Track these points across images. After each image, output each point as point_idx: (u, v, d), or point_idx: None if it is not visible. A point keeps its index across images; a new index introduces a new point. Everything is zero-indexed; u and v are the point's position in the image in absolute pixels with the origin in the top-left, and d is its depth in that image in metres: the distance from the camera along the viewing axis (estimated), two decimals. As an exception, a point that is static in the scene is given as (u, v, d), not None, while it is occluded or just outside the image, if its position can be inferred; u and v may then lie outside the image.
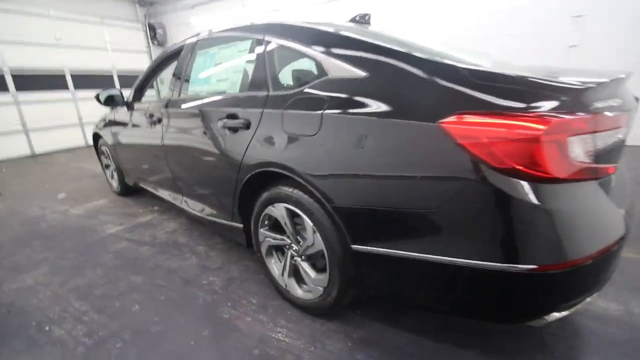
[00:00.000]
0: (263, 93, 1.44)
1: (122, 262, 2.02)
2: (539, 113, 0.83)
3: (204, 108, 1.75)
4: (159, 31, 8.03)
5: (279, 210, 1.42)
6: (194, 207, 2.07)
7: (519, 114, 0.84)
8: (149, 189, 2.69)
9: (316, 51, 1.29)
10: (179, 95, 2.01)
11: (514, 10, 4.54)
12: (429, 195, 0.96)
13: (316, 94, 1.22)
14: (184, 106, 1.93)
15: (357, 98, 1.11)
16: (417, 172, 0.97)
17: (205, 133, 1.73)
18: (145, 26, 8.04)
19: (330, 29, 1.36)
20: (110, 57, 7.38)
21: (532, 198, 0.84)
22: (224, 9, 7.09)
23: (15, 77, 5.85)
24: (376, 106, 1.06)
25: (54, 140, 6.50)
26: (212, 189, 1.87)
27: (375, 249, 1.10)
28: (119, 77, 7.58)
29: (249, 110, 1.45)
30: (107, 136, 3.01)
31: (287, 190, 1.33)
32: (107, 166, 3.41)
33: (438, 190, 0.95)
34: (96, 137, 3.33)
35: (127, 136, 2.65)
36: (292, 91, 1.32)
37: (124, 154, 2.86)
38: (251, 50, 1.57)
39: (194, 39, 2.00)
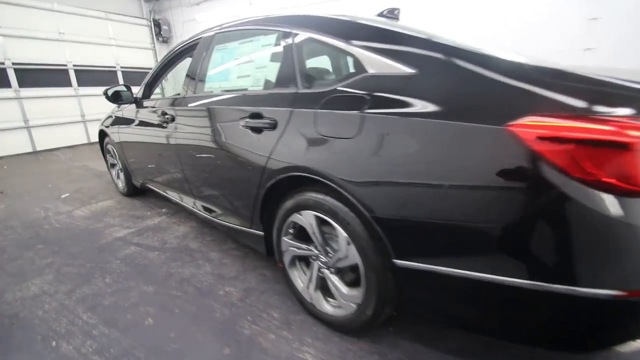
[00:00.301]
0: (291, 91, 1.32)
1: (132, 269, 1.91)
2: (632, 117, 0.71)
3: (223, 106, 1.63)
4: (164, 27, 7.92)
5: (307, 218, 1.30)
6: (208, 211, 1.96)
7: (609, 118, 0.72)
8: (158, 190, 2.57)
9: (353, 45, 1.17)
10: (194, 92, 1.89)
11: (527, 13, 4.42)
12: (491, 207, 0.85)
13: (354, 93, 1.11)
14: (199, 104, 1.81)
15: (404, 97, 0.99)
16: (477, 181, 0.86)
17: (223, 133, 1.61)
18: (150, 22, 7.92)
19: (369, 22, 1.24)
20: (114, 53, 7.26)
21: (624, 215, 0.72)
22: (230, 5, 6.97)
23: (18, 72, 5.74)
24: (426, 107, 0.94)
25: (56, 137, 6.39)
26: (229, 193, 1.75)
27: (423, 265, 0.99)
28: (123, 73, 7.47)
29: (275, 109, 1.33)
30: (113, 134, 2.90)
31: (318, 197, 1.22)
32: (113, 165, 3.30)
33: (503, 202, 0.83)
34: (102, 134, 3.21)
35: (135, 134, 2.53)
36: (325, 89, 1.20)
37: (131, 153, 2.74)
38: (277, 44, 1.46)
39: (210, 33, 1.88)
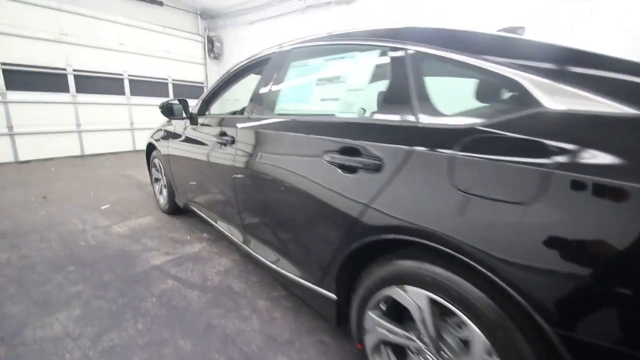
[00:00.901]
0: (406, 123, 1.00)
1: (168, 313, 1.61)
2: None
3: (299, 133, 1.34)
4: (217, 44, 8.08)
5: (414, 298, 0.94)
6: (263, 252, 1.65)
7: None
8: (202, 215, 2.32)
9: (515, 68, 0.84)
10: (262, 113, 1.63)
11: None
12: None
13: (523, 136, 0.76)
14: (267, 127, 1.54)
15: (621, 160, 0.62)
16: None
17: (297, 165, 1.31)
18: (204, 39, 8.12)
19: (540, 39, 0.91)
20: (167, 66, 7.45)
21: None
22: (282, 25, 6.99)
23: (77, 78, 5.94)
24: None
25: (104, 143, 6.51)
26: (294, 239, 1.44)
27: None
28: (174, 85, 7.63)
29: (383, 145, 1.01)
30: (162, 148, 2.72)
31: (441, 274, 0.86)
32: (157, 180, 3.12)
33: None
34: (150, 147, 3.06)
35: (186, 151, 2.31)
36: (466, 125, 0.87)
37: (179, 170, 2.53)
38: (381, 63, 1.15)
39: (286, 47, 1.63)
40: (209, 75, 8.41)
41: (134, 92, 6.85)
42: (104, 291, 1.78)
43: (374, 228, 0.99)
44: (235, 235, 1.88)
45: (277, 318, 1.61)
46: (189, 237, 2.54)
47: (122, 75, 6.61)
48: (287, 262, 1.49)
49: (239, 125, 1.70)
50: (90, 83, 6.13)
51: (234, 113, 2.58)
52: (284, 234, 1.49)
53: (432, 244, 0.84)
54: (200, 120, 2.23)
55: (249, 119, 1.68)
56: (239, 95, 2.50)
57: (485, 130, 0.82)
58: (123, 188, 3.99)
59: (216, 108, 2.45)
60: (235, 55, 8.06)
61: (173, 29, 7.42)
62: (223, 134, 1.81)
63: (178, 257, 2.20)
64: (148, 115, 7.07)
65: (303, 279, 1.38)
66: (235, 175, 1.71)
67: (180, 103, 2.28)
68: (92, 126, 6.27)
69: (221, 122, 1.97)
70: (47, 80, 5.58)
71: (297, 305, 1.71)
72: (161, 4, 7.14)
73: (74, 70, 5.87)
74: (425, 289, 0.90)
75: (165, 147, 2.64)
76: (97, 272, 1.97)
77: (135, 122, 6.96)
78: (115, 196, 3.61)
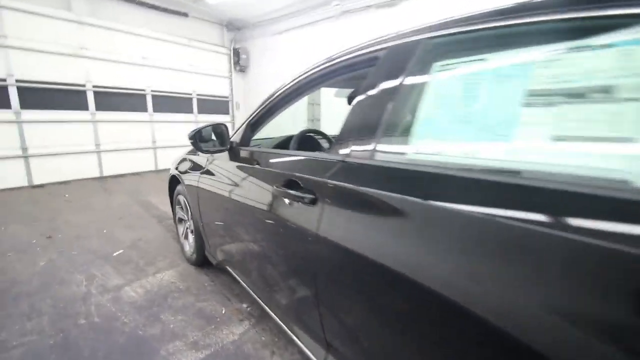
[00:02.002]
0: None
1: None
2: None
3: (483, 187, 0.64)
4: (243, 56, 7.59)
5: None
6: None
7: None
8: (247, 289, 1.62)
9: None
10: (373, 150, 0.91)
11: None
12: None
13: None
14: (399, 186, 0.82)
15: None
16: None
17: (482, 247, 0.60)
18: (230, 51, 7.65)
19: None
20: (192, 80, 6.98)
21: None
22: (315, 33, 6.41)
23: (97, 95, 5.50)
24: None
25: (124, 163, 6.02)
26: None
27: None
28: (198, 100, 7.15)
29: None
30: (189, 185, 2.07)
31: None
32: (182, 221, 2.48)
33: None
34: (173, 180, 2.43)
35: (223, 197, 1.64)
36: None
37: (212, 218, 1.86)
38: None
39: (421, 36, 0.91)
40: (235, 89, 7.92)
41: (156, 109, 6.38)
42: None
43: None
44: (308, 345, 1.17)
45: None
46: (223, 311, 1.85)
47: (144, 90, 6.16)
48: None
49: (328, 173, 1.00)
50: (110, 100, 5.68)
51: (300, 140, 1.90)
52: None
53: None
54: (244, 153, 1.56)
55: (345, 163, 0.98)
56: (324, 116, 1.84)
57: None
58: (141, 222, 3.38)
59: (265, 133, 1.79)
60: (263, 67, 7.54)
61: (198, 41, 6.98)
62: (292, 184, 1.12)
63: (212, 354, 1.51)
64: (171, 132, 6.59)
65: None
66: (316, 253, 1.01)
67: (217, 130, 1.62)
68: (112, 145, 5.81)
69: (284, 164, 1.29)
70: (64, 98, 5.15)
71: None
72: (186, 15, 6.72)
73: (94, 87, 5.43)
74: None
75: (193, 184, 1.98)
76: (94, 390, 1.30)
77: (157, 140, 6.48)
78: (132, 235, 2.99)
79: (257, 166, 1.42)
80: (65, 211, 3.76)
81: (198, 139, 1.60)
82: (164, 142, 6.56)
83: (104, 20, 5.46)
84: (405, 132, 0.88)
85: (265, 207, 1.27)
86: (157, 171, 6.46)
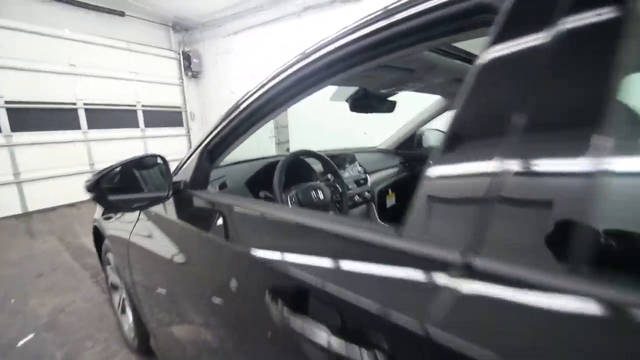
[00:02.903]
0: None
1: None
2: None
3: None
4: (194, 60, 6.75)
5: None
6: None
7: None
8: None
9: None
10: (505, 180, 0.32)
11: None
12: None
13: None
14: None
15: None
16: None
17: None
18: (179, 55, 6.78)
19: None
20: (135, 89, 6.04)
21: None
22: (275, 32, 5.79)
23: (11, 112, 4.44)
24: None
25: (54, 193, 4.97)
26: None
27: None
28: (144, 112, 6.21)
29: None
30: (115, 240, 1.35)
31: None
32: (115, 288, 1.74)
33: None
34: (98, 233, 1.68)
35: (174, 271, 0.97)
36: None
37: (157, 296, 1.17)
38: None
39: None
40: (188, 97, 7.04)
41: (92, 125, 5.37)
42: None
43: None
44: None
45: None
46: None
47: (75, 104, 5.15)
48: None
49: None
50: (31, 117, 4.63)
51: (288, 169, 1.26)
52: None
53: None
54: (200, 203, 0.91)
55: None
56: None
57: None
58: (68, 279, 2.54)
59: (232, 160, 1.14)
60: (219, 72, 6.76)
61: (139, 44, 6.05)
62: (305, 300, 0.50)
63: None
64: (112, 151, 5.61)
65: None
66: None
67: (144, 164, 0.95)
68: (37, 173, 4.74)
69: (285, 229, 0.67)
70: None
71: None
72: (122, 14, 5.79)
73: (6, 103, 4.37)
74: None
75: (123, 236, 1.27)
76: None
77: (96, 161, 5.46)
78: (52, 303, 2.17)
79: (230, 240, 0.78)
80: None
81: (102, 189, 0.89)
82: (106, 163, 5.50)
83: (12, 20, 4.42)
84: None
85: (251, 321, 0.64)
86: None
